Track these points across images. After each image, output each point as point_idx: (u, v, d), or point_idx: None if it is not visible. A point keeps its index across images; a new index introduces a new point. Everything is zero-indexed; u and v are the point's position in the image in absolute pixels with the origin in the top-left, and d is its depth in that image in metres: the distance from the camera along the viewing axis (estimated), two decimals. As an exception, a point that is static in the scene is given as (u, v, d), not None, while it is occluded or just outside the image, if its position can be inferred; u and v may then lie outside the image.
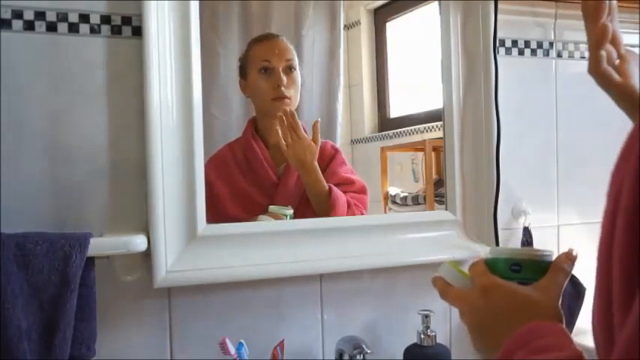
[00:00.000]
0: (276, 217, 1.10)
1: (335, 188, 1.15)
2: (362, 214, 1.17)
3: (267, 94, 1.16)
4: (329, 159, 1.19)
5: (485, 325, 0.59)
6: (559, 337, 0.50)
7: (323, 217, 1.12)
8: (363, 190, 1.20)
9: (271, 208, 1.11)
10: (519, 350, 0.50)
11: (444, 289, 0.66)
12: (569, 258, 0.62)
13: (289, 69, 1.17)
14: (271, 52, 1.17)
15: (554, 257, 0.63)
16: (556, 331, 0.51)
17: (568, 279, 0.60)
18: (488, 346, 0.57)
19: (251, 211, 1.11)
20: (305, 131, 1.14)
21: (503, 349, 0.52)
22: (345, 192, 1.16)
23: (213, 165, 1.10)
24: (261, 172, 1.15)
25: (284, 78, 1.15)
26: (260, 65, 1.16)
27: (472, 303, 0.61)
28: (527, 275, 0.60)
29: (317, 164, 1.14)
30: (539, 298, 0.57)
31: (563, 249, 0.65)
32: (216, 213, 1.05)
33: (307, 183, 1.14)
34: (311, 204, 1.14)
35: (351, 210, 1.15)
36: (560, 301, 0.59)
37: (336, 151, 1.21)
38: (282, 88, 1.15)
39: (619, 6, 1.33)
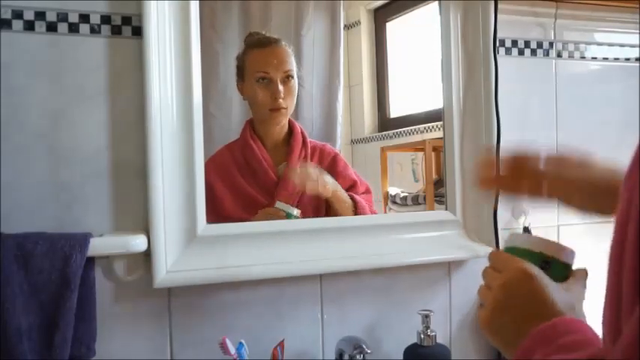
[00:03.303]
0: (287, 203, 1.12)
1: (358, 198, 1.17)
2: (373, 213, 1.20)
3: (264, 105, 1.15)
4: (331, 160, 1.20)
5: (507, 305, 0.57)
6: (585, 333, 0.49)
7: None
8: (369, 191, 1.22)
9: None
10: (543, 347, 0.48)
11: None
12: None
13: (287, 79, 1.16)
14: (269, 63, 1.15)
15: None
16: (582, 328, 0.50)
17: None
18: (505, 334, 0.55)
19: (251, 211, 1.11)
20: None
21: (525, 345, 0.50)
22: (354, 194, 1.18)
23: (213, 166, 1.10)
24: (261, 173, 1.15)
25: (281, 89, 1.14)
26: (258, 76, 1.15)
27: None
28: (553, 275, 0.59)
29: (337, 191, 1.15)
30: (566, 299, 0.55)
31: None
32: (217, 214, 1.05)
33: (340, 209, 1.15)
34: (311, 203, 1.15)
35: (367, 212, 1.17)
36: None
37: (335, 152, 1.22)
38: (280, 100, 1.15)
39: (619, 6, 1.33)
